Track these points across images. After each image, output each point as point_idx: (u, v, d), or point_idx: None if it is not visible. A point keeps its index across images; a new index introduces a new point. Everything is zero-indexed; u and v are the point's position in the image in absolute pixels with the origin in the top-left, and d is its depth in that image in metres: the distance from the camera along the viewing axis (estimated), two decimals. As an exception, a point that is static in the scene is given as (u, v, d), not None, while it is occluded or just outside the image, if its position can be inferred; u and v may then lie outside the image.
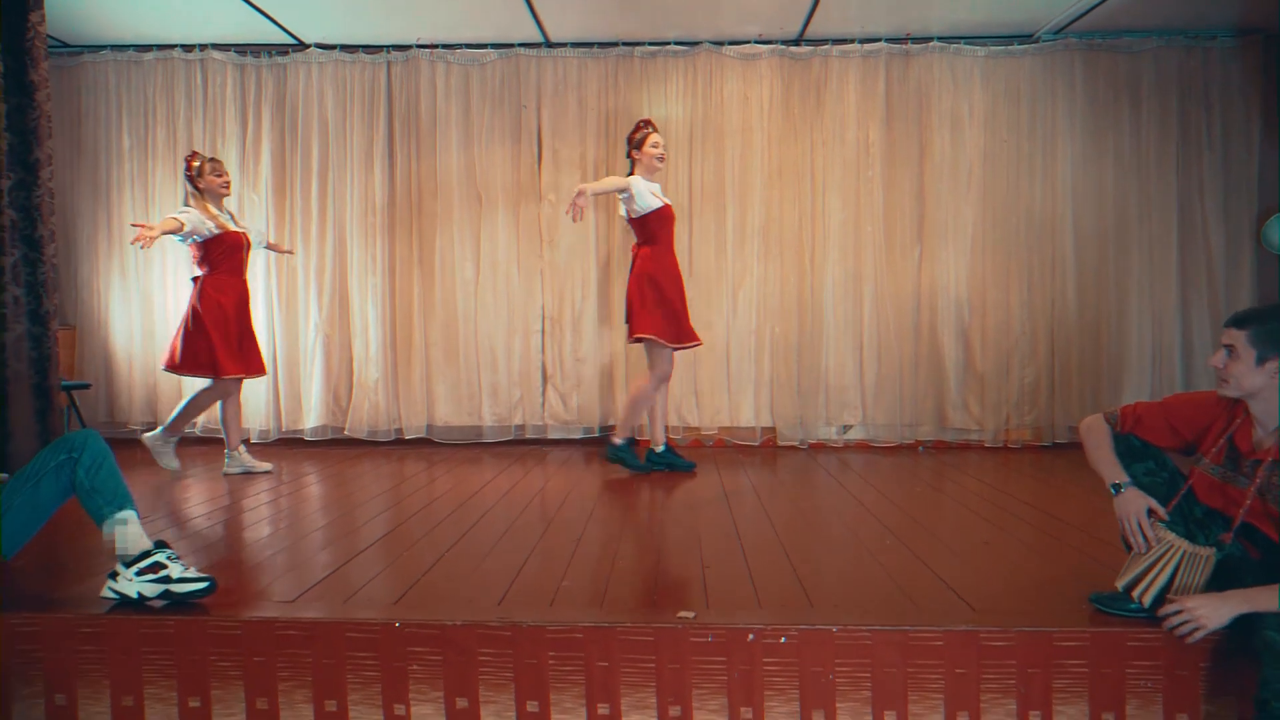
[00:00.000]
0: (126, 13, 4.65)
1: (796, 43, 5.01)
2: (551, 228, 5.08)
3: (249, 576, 2.52)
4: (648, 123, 4.10)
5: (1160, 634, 2.00)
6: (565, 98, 5.04)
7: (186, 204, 3.98)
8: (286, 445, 5.07)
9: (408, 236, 5.08)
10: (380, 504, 3.55)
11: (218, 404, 4.12)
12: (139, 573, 2.13)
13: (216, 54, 5.06)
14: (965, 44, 4.92)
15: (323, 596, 2.30)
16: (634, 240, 4.14)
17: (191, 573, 2.17)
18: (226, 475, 4.10)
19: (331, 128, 5.07)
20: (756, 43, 4.98)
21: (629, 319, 4.05)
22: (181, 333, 3.95)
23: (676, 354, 4.16)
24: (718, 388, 5.04)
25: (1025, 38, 4.93)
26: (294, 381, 5.13)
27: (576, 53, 5.03)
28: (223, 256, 3.98)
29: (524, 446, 5.03)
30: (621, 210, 4.11)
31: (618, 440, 4.11)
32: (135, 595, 2.13)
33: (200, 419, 4.98)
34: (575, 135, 5.04)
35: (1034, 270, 4.94)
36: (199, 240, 3.93)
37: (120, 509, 2.18)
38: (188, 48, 5.08)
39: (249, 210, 5.09)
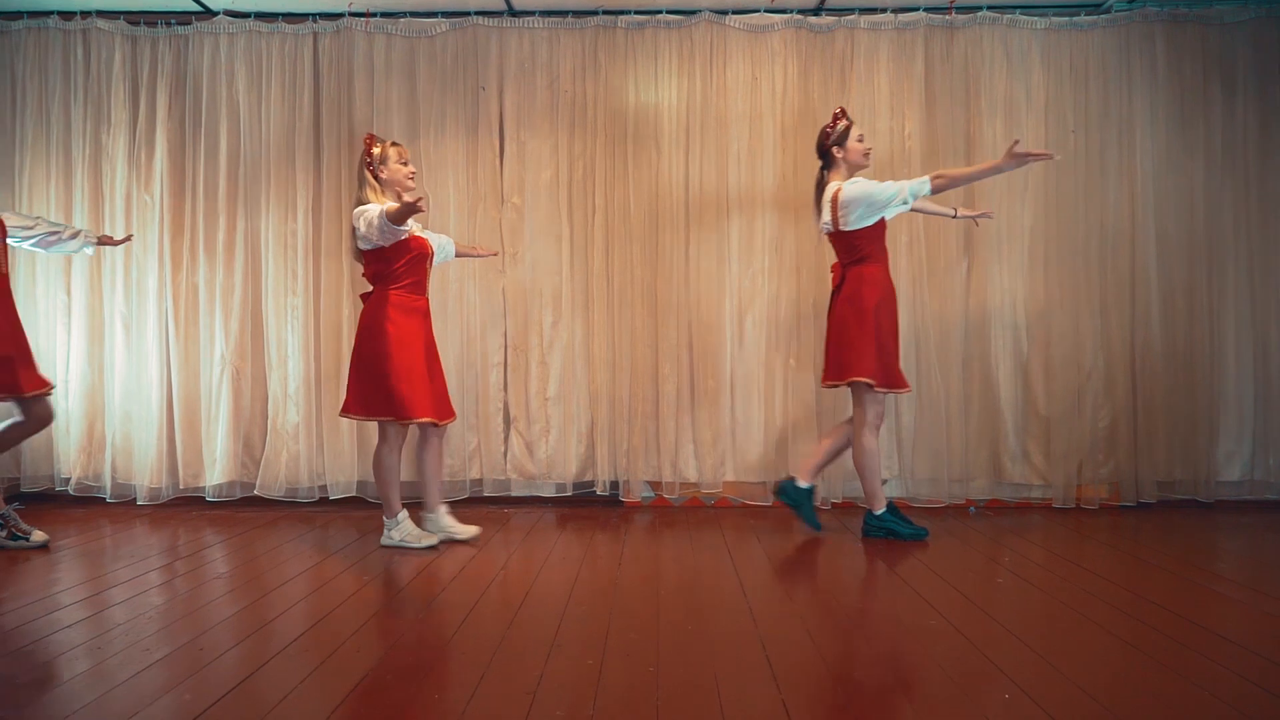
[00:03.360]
0: (-12, -29, 4.47)
1: (816, 12, 4.90)
2: (515, 237, 4.92)
3: (123, 695, 2.25)
4: (845, 112, 4.10)
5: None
6: (533, 78, 4.90)
7: (362, 200, 3.87)
8: (183, 507, 4.85)
9: (336, 246, 4.90)
10: (299, 588, 3.33)
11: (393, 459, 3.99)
12: None
13: (102, 23, 4.90)
14: (1021, 13, 4.83)
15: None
16: (838, 259, 4.15)
17: None
18: (386, 546, 3.93)
19: (244, 114, 4.91)
20: (768, 11, 4.88)
21: (835, 355, 4.06)
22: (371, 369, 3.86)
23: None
24: (721, 433, 4.87)
25: (1094, 6, 4.85)
26: (193, 427, 4.92)
27: (547, 23, 4.90)
28: (408, 269, 3.90)
29: (481, 507, 4.83)
30: (823, 220, 4.07)
31: (878, 509, 4.11)
32: None
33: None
34: (545, 124, 4.90)
35: (1108, 290, 4.81)
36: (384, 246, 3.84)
37: None
38: (66, 15, 4.91)
39: (139, 214, 4.90)
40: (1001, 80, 4.82)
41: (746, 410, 4.86)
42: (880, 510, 4.10)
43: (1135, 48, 4.82)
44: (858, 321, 3.98)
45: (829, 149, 4.10)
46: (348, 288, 4.88)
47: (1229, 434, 4.78)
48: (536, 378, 4.91)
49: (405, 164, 3.92)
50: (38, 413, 3.99)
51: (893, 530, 4.08)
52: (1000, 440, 4.82)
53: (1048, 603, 3.06)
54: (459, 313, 4.89)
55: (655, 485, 4.90)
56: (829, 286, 4.75)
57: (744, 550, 3.87)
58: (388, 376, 3.78)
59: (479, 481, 4.95)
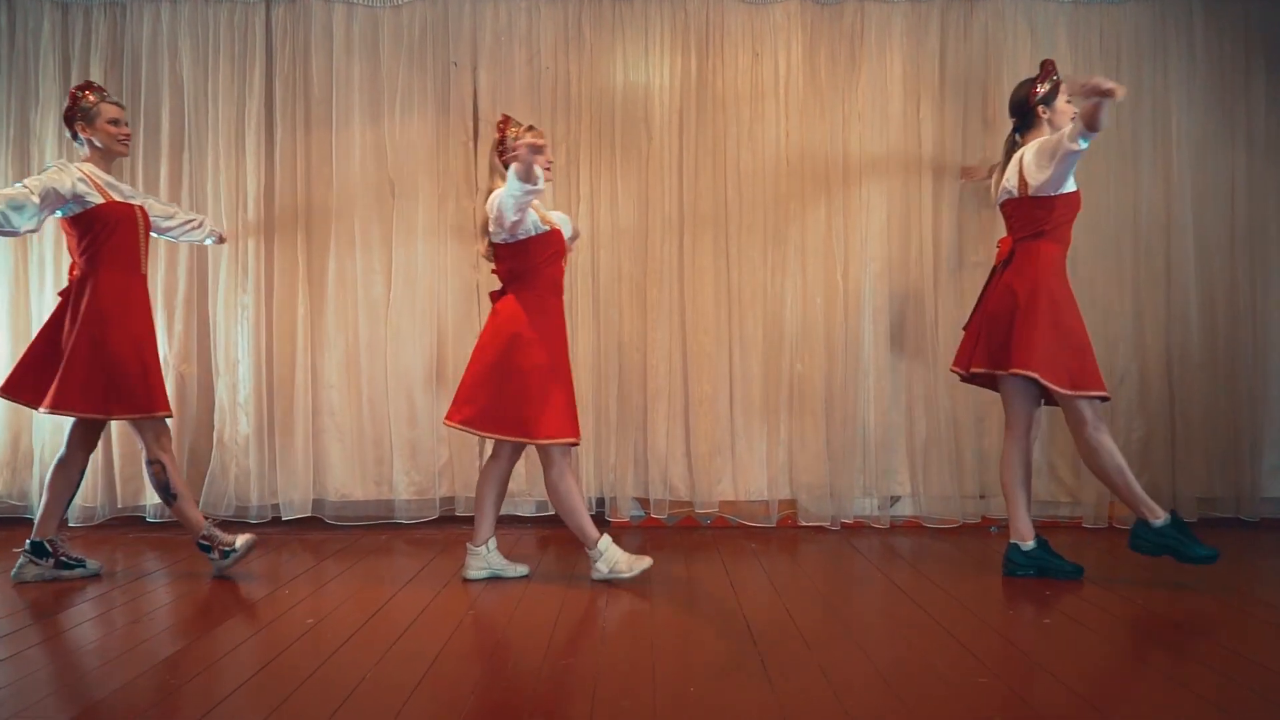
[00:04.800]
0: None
1: (823, -16, 4.67)
2: None
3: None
4: (1055, 66, 3.65)
5: None
6: (510, 53, 4.64)
7: (494, 190, 3.52)
8: (120, 528, 4.56)
9: (291, 240, 4.62)
10: (247, 623, 3.05)
11: None
12: None
13: (29, -11, 4.60)
14: (1047, -13, 4.62)
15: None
16: (1010, 231, 3.67)
17: None
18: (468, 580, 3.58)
19: (188, 92, 4.62)
20: (769, -18, 4.64)
21: (1003, 342, 3.50)
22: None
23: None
24: (718, 448, 4.60)
25: (1126, -20, 4.65)
26: (132, 440, 4.51)
27: (526, -8, 4.65)
28: (548, 265, 3.58)
29: (453, 528, 4.54)
30: (1004, 186, 3.63)
31: (1026, 543, 3.58)
32: None
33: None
34: (524, 104, 4.62)
35: (1141, 289, 4.60)
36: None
37: None
38: (-11, -20, 4.61)
39: None
40: (1025, 60, 4.57)
41: (747, 420, 4.60)
42: (1029, 544, 3.57)
43: (1171, 25, 4.63)
44: (1029, 306, 3.46)
45: (1033, 108, 3.62)
46: (303, 284, 4.59)
47: (1275, 446, 4.61)
48: None
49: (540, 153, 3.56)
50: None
51: (1045, 568, 3.54)
52: (1023, 454, 4.56)
53: (1102, 647, 2.75)
54: (429, 311, 4.61)
55: (644, 503, 4.63)
56: (838, 283, 4.58)
57: (747, 581, 3.57)
58: (549, 392, 3.42)
59: (450, 500, 4.67)
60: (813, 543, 4.28)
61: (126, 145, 3.68)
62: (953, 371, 3.82)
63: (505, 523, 4.61)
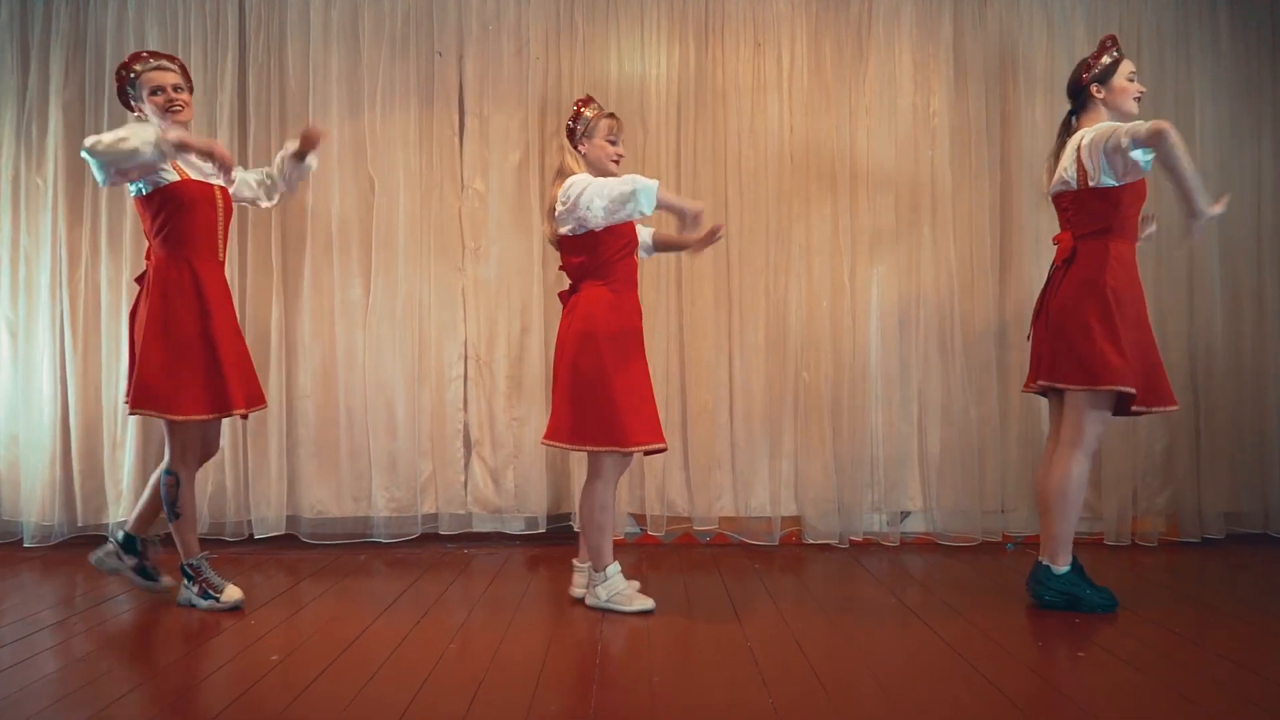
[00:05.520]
0: None
1: (828, -30, 4.51)
2: (477, 229, 4.47)
3: None
4: (1116, 41, 3.37)
5: None
6: (498, 43, 4.47)
7: (565, 170, 3.37)
8: (82, 548, 4.22)
9: (265, 241, 4.44)
10: (217, 651, 2.88)
11: None
12: None
13: (-15, -27, 4.40)
14: (1064, -26, 4.47)
15: None
16: (1070, 227, 3.35)
17: None
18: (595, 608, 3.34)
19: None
20: (772, -31, 4.47)
21: (1057, 350, 3.24)
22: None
23: None
24: (718, 460, 4.43)
25: (1147, -33, 4.50)
26: (93, 452, 4.43)
27: (514, -21, 4.48)
28: (622, 259, 3.37)
29: (436, 547, 4.36)
30: (1060, 176, 3.31)
31: (1058, 567, 3.27)
32: None
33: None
34: (513, 97, 4.45)
35: (1163, 292, 4.43)
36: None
37: None
38: (-59, -36, 4.41)
39: (29, 200, 4.40)
40: (1041, 51, 4.45)
41: (748, 432, 4.43)
42: (1063, 568, 3.27)
43: (1193, 13, 4.49)
44: (1095, 311, 3.19)
45: (1085, 86, 3.33)
46: (277, 288, 4.41)
47: (1308, 455, 4.44)
48: (503, 394, 4.45)
49: (614, 142, 3.35)
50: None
51: (1076, 598, 3.24)
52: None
53: (1148, 686, 2.55)
54: (410, 317, 4.43)
55: (640, 519, 4.44)
56: (845, 286, 4.42)
57: (751, 607, 3.37)
58: (612, 399, 3.19)
59: (433, 517, 4.48)
60: (819, 562, 4.10)
61: (179, 113, 3.27)
62: (1025, 392, 3.60)
63: (492, 541, 4.46)
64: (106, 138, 3.05)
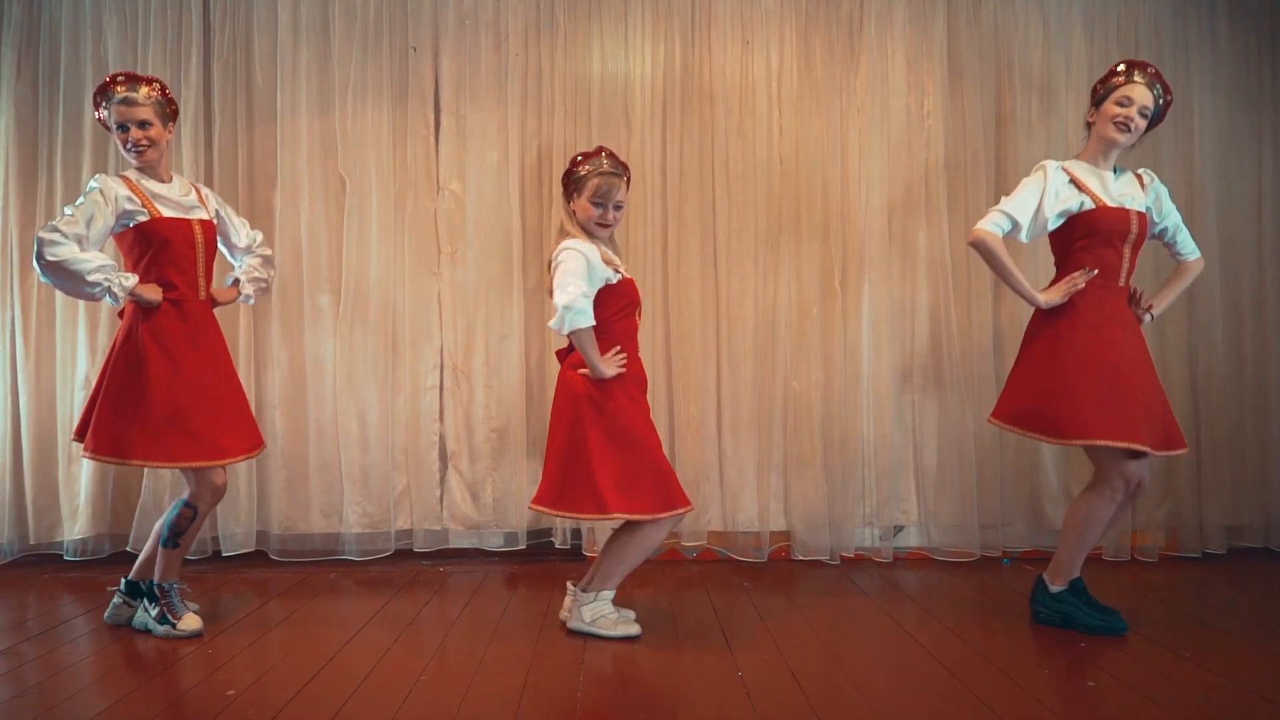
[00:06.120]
0: None
1: (818, -34, 4.40)
2: (454, 232, 4.34)
3: None
4: (1130, 68, 3.23)
5: None
6: (476, 38, 4.34)
7: (565, 230, 3.24)
8: (33, 568, 4.19)
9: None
10: (178, 679, 2.77)
11: None
12: None
13: (-67, -39, 4.24)
14: (1060, -28, 4.39)
15: None
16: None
17: None
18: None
19: None
20: (760, -36, 4.37)
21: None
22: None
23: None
24: (705, 472, 4.31)
25: (1144, -34, 4.43)
26: (47, 465, 4.27)
27: (493, -29, 4.36)
28: (620, 319, 3.23)
29: (411, 564, 4.23)
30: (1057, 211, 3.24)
31: (1054, 586, 3.26)
32: None
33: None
34: (490, 94, 4.33)
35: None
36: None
37: None
38: (-114, -50, 4.25)
39: None
40: (1037, 51, 4.37)
41: (736, 444, 4.31)
42: (1058, 588, 3.26)
43: (1192, 13, 4.41)
44: (1027, 350, 3.29)
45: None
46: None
47: (1312, 466, 4.36)
48: (481, 404, 4.32)
49: (600, 205, 3.15)
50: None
51: (1070, 616, 3.22)
52: (1040, 478, 4.33)
53: (1155, 713, 2.45)
54: (383, 324, 4.29)
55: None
56: (836, 292, 4.34)
57: (740, 628, 3.26)
58: (590, 470, 3.04)
59: (407, 533, 4.34)
60: (810, 579, 3.99)
61: (142, 153, 3.15)
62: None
63: (469, 558, 4.33)
64: (64, 250, 3.00)
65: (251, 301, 3.55)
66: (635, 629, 3.16)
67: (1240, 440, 4.35)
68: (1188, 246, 3.39)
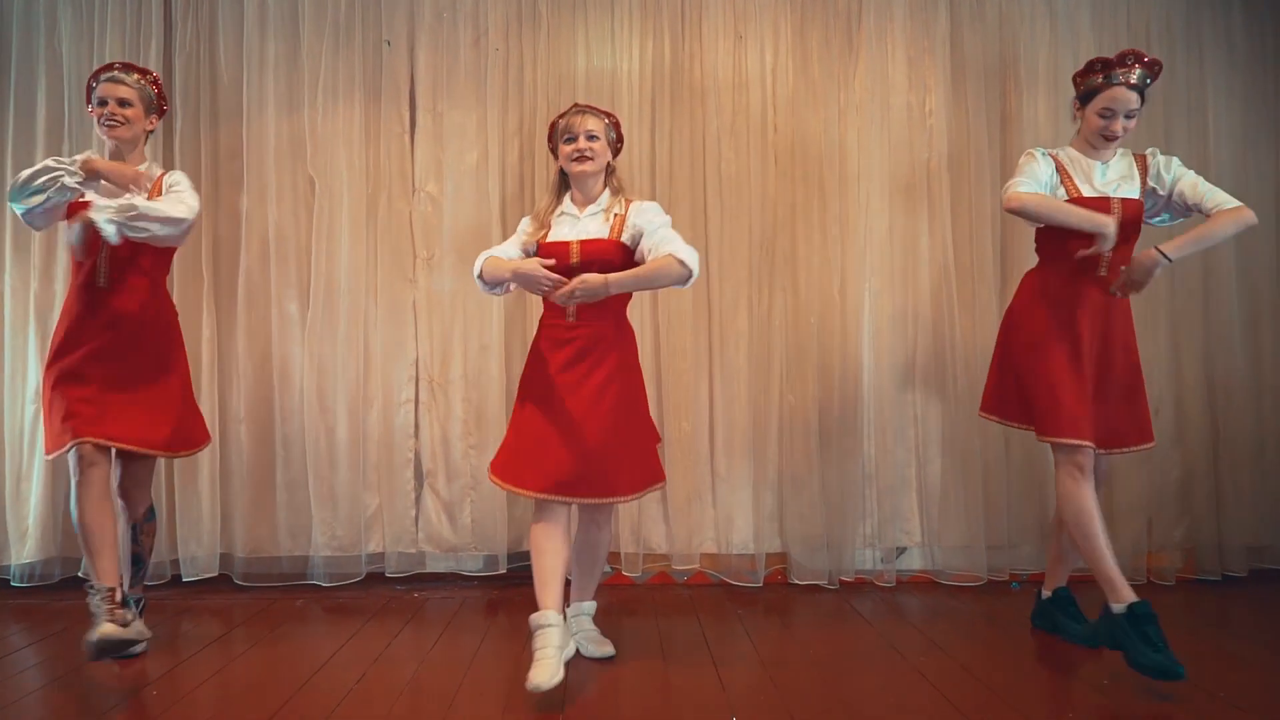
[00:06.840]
0: None
1: (815, -44, 4.30)
2: (431, 236, 4.21)
3: None
4: (1122, 60, 3.11)
5: None
6: (454, 33, 4.23)
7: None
8: None
9: (195, 249, 4.14)
10: (141, 712, 2.65)
11: None
12: None
13: (-123, -50, 4.09)
14: (1067, -35, 4.29)
15: None
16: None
17: None
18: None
19: (69, 71, 4.16)
20: (754, -45, 4.26)
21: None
22: None
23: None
24: (698, 492, 4.17)
25: (1156, -42, 4.34)
26: None
27: (472, -39, 4.25)
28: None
29: (383, 590, 4.07)
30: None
31: (1044, 591, 3.45)
32: None
33: None
34: (469, 90, 4.22)
35: (1177, 307, 4.25)
36: None
37: None
38: None
39: None
40: (1044, 46, 4.26)
41: (730, 461, 4.17)
42: (1046, 594, 3.43)
43: (1206, 8, 4.32)
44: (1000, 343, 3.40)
45: (1074, 101, 3.26)
46: (207, 301, 4.12)
47: (1335, 483, 4.25)
48: (459, 419, 4.17)
49: (571, 139, 3.11)
50: None
51: (1055, 625, 3.37)
52: (1049, 497, 4.14)
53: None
54: (353, 333, 4.15)
55: (613, 558, 4.15)
56: (835, 300, 4.22)
57: (733, 659, 3.10)
58: (517, 438, 3.05)
59: (380, 556, 4.19)
60: (807, 605, 3.83)
61: (113, 128, 3.14)
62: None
63: (446, 583, 4.18)
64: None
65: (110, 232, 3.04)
66: (609, 649, 3.16)
67: (1261, 455, 4.23)
68: (1215, 198, 3.08)
